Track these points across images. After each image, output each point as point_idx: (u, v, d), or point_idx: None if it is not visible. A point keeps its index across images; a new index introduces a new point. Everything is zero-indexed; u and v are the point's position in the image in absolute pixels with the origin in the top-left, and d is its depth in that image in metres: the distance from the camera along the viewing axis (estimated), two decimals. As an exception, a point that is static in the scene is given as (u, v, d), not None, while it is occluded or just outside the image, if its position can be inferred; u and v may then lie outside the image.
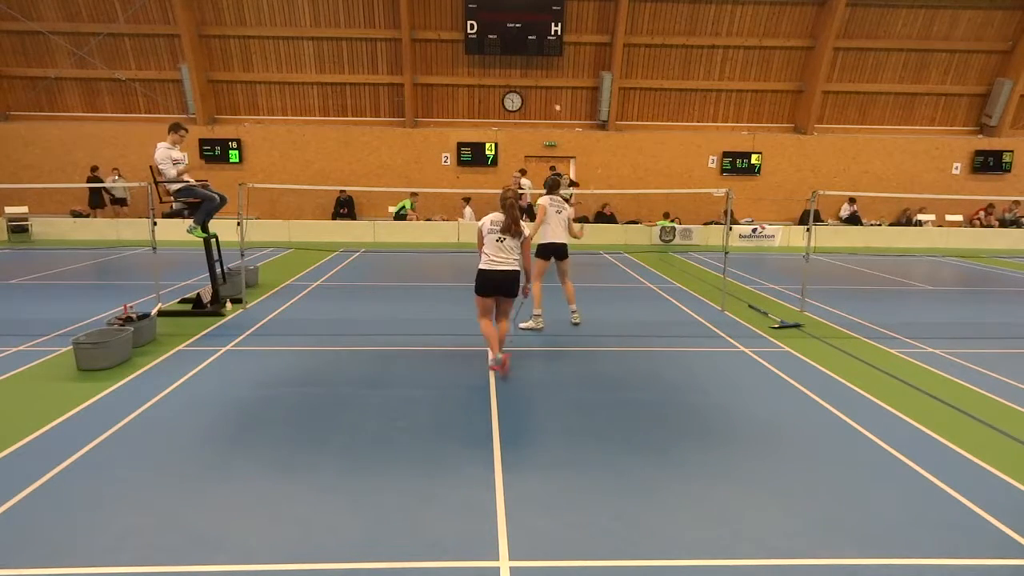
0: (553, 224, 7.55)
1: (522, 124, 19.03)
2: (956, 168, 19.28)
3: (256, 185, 10.01)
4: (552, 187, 7.66)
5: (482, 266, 5.77)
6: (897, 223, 19.40)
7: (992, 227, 18.72)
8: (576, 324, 7.85)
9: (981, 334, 7.92)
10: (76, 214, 17.77)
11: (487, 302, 5.85)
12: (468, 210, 18.23)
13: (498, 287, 5.76)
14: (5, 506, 3.59)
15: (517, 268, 5.80)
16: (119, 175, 17.36)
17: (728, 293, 9.34)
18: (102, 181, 17.13)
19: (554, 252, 7.60)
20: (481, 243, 5.84)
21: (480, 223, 5.86)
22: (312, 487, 3.87)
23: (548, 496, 3.80)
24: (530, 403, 5.34)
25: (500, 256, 5.72)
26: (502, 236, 5.72)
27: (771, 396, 5.59)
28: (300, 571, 3.09)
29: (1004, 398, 5.57)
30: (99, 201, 17.69)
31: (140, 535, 3.34)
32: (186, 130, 8.19)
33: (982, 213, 19.10)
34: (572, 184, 17.89)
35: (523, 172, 17.58)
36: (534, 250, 7.41)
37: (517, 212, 5.79)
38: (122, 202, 17.92)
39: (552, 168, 18.03)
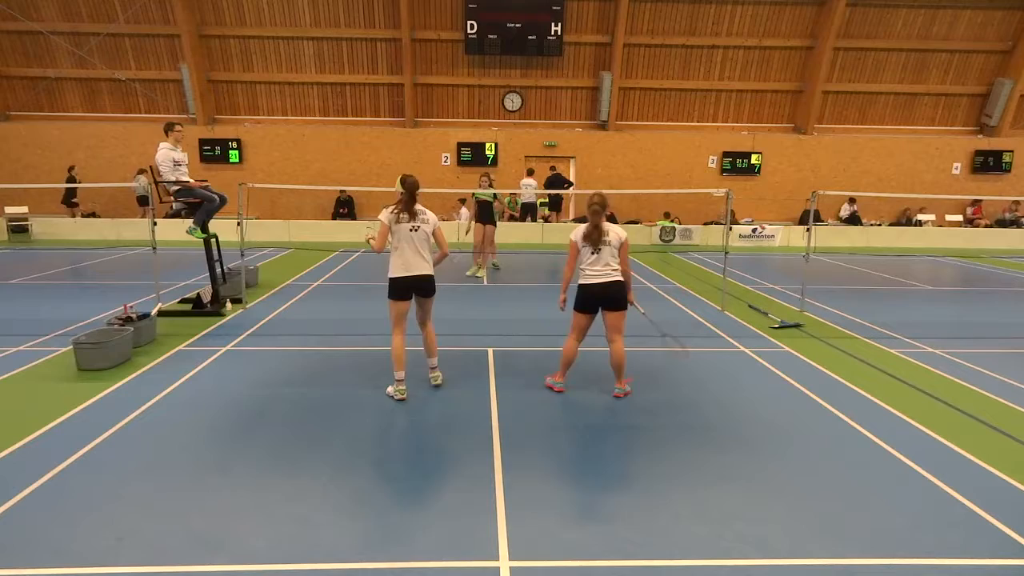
0: (406, 249, 5.38)
1: (522, 124, 19.03)
2: (956, 168, 19.28)
3: (256, 185, 10.03)
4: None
5: (581, 281, 5.38)
6: (897, 223, 19.41)
7: (990, 226, 18.72)
8: (437, 386, 5.69)
9: (981, 334, 7.92)
10: (78, 214, 17.78)
11: (584, 319, 5.42)
12: (464, 211, 17.55)
13: (600, 300, 5.36)
14: (5, 506, 3.59)
15: (620, 278, 5.32)
16: (144, 176, 17.19)
17: (728, 293, 9.33)
18: (77, 181, 17.06)
19: (414, 288, 5.47)
20: (574, 257, 5.46)
21: (573, 236, 5.36)
22: (312, 487, 3.87)
23: (548, 496, 3.80)
24: (530, 403, 5.34)
25: (597, 268, 5.35)
26: (598, 248, 5.31)
27: (771, 396, 5.59)
28: (300, 571, 3.09)
29: (1004, 398, 5.57)
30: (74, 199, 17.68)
31: (140, 535, 3.34)
32: (181, 126, 8.16)
33: (969, 209, 19.15)
34: (568, 183, 17.86)
35: (530, 172, 17.27)
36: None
37: (602, 218, 5.33)
38: (144, 201, 17.80)
39: (552, 168, 18.04)
